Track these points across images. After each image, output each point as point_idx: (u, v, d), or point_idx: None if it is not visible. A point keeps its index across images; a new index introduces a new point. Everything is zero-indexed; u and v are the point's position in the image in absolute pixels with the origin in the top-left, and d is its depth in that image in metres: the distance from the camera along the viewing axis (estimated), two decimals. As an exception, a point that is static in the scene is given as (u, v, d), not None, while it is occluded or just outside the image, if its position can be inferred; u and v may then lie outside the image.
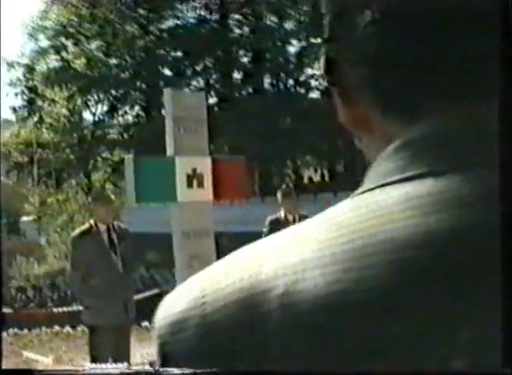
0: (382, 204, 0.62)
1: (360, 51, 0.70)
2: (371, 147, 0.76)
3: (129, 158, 7.25)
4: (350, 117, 0.76)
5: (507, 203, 0.60)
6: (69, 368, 5.96)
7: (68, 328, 13.53)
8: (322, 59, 0.76)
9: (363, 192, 0.66)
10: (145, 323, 11.72)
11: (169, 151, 7.61)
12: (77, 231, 7.12)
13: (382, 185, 0.65)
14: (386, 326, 0.59)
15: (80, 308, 8.68)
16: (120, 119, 31.18)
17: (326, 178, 27.89)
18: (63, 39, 29.23)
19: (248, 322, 0.62)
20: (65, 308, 12.70)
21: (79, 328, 13.36)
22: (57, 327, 13.53)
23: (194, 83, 29.42)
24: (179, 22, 29.37)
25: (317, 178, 28.40)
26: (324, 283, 0.60)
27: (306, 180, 26.12)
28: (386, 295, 0.59)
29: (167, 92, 7.87)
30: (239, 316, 0.63)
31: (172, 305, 0.68)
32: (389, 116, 0.70)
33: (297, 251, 0.62)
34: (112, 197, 7.66)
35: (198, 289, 0.66)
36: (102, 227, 6.82)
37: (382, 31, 0.68)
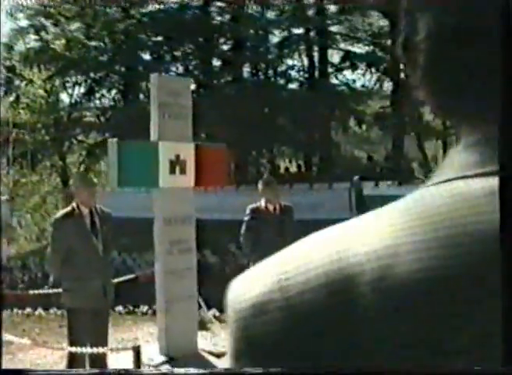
0: (468, 196, 0.64)
1: (438, 46, 0.72)
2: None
3: (112, 141, 7.22)
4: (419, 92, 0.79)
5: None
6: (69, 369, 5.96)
7: (40, 310, 13.46)
8: (400, 40, 0.80)
9: (444, 181, 0.68)
10: (119, 308, 11.69)
11: (153, 136, 7.59)
12: (60, 213, 7.08)
13: (464, 177, 0.67)
14: (472, 313, 0.60)
15: (53, 290, 8.65)
16: (97, 102, 30.98)
17: (302, 169, 27.91)
18: (43, 19, 28.94)
19: (336, 306, 0.63)
20: (36, 291, 12.60)
21: (51, 310, 13.31)
22: (29, 309, 13.45)
23: (173, 68, 29.27)
24: (160, 6, 29.17)
25: (293, 169, 28.42)
26: (419, 269, 0.61)
27: (282, 171, 26.12)
28: (475, 284, 0.60)
29: (153, 77, 7.84)
30: (326, 299, 0.63)
31: (250, 288, 0.68)
32: (465, 102, 0.72)
33: (387, 236, 0.64)
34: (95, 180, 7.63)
35: (278, 272, 0.67)
36: (85, 210, 6.78)
37: (502, 56, 0.67)
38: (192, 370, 0.67)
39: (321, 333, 0.63)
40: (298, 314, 0.64)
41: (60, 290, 7.25)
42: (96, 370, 0.82)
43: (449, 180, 0.68)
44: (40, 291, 12.23)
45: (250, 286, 0.69)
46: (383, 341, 0.61)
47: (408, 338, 0.60)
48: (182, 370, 0.69)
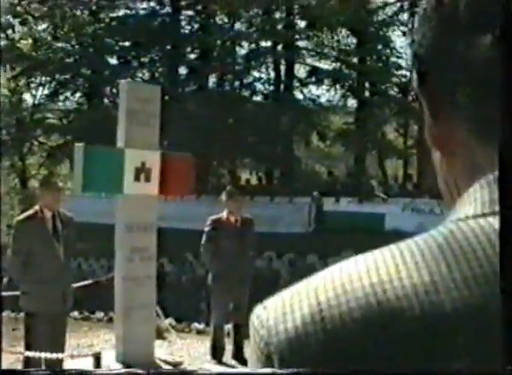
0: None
1: (471, 72, 0.70)
2: (445, 164, 0.77)
3: (79, 146, 7.18)
4: (435, 132, 0.77)
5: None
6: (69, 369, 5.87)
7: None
8: (414, 73, 0.78)
9: (473, 217, 0.67)
10: (74, 314, 11.60)
11: (120, 142, 7.57)
12: (22, 216, 7.03)
13: (494, 213, 0.66)
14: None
15: (7, 293, 8.55)
16: (61, 104, 30.73)
17: (263, 181, 27.95)
18: (10, 17, 28.67)
19: (379, 340, 0.61)
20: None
21: (4, 313, 13.14)
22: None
23: (139, 74, 29.17)
24: (130, 12, 29.11)
25: (254, 181, 28.45)
26: (463, 307, 0.61)
27: (243, 182, 26.12)
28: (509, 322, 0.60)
29: (122, 84, 7.82)
30: (368, 333, 0.62)
31: (283, 319, 0.65)
32: (487, 140, 0.71)
33: (423, 272, 0.63)
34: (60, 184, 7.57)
35: (313, 302, 0.65)
36: (48, 214, 6.74)
37: (502, 56, 0.67)
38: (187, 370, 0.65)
39: (364, 368, 0.62)
40: (339, 348, 0.62)
41: (15, 293, 7.18)
42: (96, 370, 0.81)
43: (477, 215, 0.67)
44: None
45: (282, 316, 0.65)
46: None
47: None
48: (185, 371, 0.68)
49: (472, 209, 0.68)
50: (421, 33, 0.76)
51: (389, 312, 0.61)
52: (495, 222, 0.65)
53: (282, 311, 0.66)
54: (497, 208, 0.66)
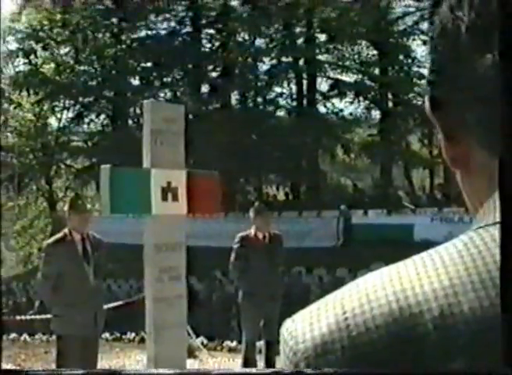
0: None
1: (476, 93, 0.73)
2: (466, 182, 0.80)
3: (105, 168, 7.18)
4: (451, 154, 0.79)
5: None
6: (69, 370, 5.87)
7: (25, 336, 13.36)
8: (427, 98, 0.80)
9: (493, 224, 0.70)
10: (106, 335, 11.61)
11: (145, 163, 7.56)
12: (52, 239, 7.04)
13: None
14: None
15: (39, 316, 8.57)
16: (85, 126, 30.97)
17: (290, 197, 27.92)
18: (33, 43, 28.98)
19: (401, 344, 0.64)
20: (22, 317, 12.51)
21: (37, 336, 13.21)
22: (14, 335, 13.34)
23: (162, 94, 29.36)
24: (151, 32, 29.33)
25: (281, 196, 28.43)
26: (479, 307, 0.64)
27: (270, 198, 26.12)
28: None
29: (146, 104, 7.82)
30: (390, 338, 0.65)
31: (311, 327, 0.69)
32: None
33: (443, 277, 0.66)
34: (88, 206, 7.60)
35: (338, 311, 0.68)
36: (77, 236, 6.75)
37: (502, 75, 0.70)
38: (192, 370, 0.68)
39: (387, 372, 0.65)
40: (364, 353, 0.65)
41: (47, 316, 7.19)
42: (96, 370, 0.82)
43: (497, 222, 0.70)
44: (27, 317, 12.15)
45: (309, 326, 0.69)
46: None
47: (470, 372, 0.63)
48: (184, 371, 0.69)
49: (492, 217, 0.71)
50: (430, 60, 0.80)
51: (410, 317, 0.65)
52: None
53: (310, 321, 0.69)
54: None
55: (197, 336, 10.92)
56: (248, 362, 8.89)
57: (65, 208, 7.27)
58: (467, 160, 0.78)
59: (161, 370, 0.73)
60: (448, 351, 0.63)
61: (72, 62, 29.15)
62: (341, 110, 29.61)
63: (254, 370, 0.74)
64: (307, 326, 0.69)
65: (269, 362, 8.84)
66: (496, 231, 0.69)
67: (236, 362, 9.63)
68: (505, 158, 0.67)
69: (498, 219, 0.70)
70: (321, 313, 0.69)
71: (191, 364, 9.11)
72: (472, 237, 0.70)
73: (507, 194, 0.66)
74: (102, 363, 9.54)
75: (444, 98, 0.78)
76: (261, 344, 9.13)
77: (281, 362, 0.72)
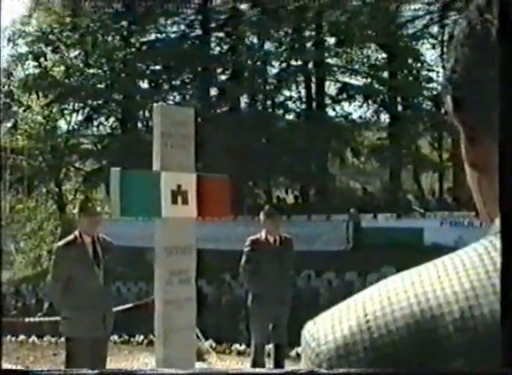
0: None
1: (495, 96, 0.72)
2: (484, 185, 0.81)
3: (115, 170, 7.19)
4: (472, 156, 0.80)
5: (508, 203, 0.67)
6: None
7: (34, 338, 13.38)
8: (449, 98, 0.80)
9: None
10: (114, 337, 11.62)
11: (156, 165, 7.57)
12: (62, 242, 7.06)
13: None
14: None
15: (48, 318, 8.58)
16: (95, 129, 31.01)
17: (299, 200, 27.90)
18: (43, 46, 29.06)
19: (422, 345, 0.65)
20: (31, 319, 12.53)
21: (45, 338, 13.23)
22: (22, 337, 13.36)
23: (171, 97, 29.38)
24: (160, 36, 29.36)
25: (290, 199, 28.42)
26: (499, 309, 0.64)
27: (279, 201, 26.10)
28: None
29: (156, 107, 7.83)
30: (411, 339, 0.66)
31: (333, 329, 0.70)
32: None
33: (464, 280, 0.67)
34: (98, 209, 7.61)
35: (360, 314, 0.69)
36: (87, 239, 6.76)
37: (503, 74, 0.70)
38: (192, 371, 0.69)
39: (409, 373, 0.66)
40: (385, 354, 0.66)
41: (56, 318, 7.20)
42: (97, 371, 0.82)
43: None
44: (36, 319, 12.17)
45: (331, 328, 0.70)
46: None
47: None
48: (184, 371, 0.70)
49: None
50: (454, 59, 0.79)
51: (431, 319, 0.66)
52: None
53: (332, 324, 0.70)
54: None
55: (206, 339, 10.92)
56: (257, 365, 8.88)
57: (75, 210, 7.28)
58: (487, 162, 0.78)
59: (174, 370, 0.74)
60: (469, 352, 0.64)
61: (81, 65, 29.20)
62: (350, 113, 29.61)
63: (274, 370, 0.75)
64: (328, 328, 0.70)
65: (278, 366, 8.83)
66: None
67: (244, 366, 9.62)
68: (505, 158, 0.67)
69: None
70: (342, 315, 0.70)
71: (200, 367, 9.10)
72: (492, 241, 0.71)
73: (507, 194, 0.67)
74: (111, 366, 9.55)
75: (468, 99, 0.77)
76: (269, 347, 9.12)
77: (302, 364, 0.72)
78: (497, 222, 0.74)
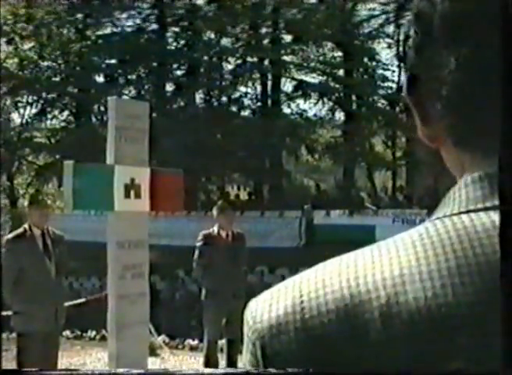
0: (471, 230, 0.70)
1: (447, 84, 0.75)
2: (444, 158, 0.82)
3: (68, 163, 7.14)
4: (426, 134, 0.81)
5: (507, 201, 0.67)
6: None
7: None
8: (405, 79, 0.82)
9: (450, 215, 0.73)
10: (66, 333, 11.52)
11: (109, 159, 7.52)
12: (11, 234, 6.99)
13: (468, 211, 0.72)
14: (471, 338, 0.64)
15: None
16: (48, 123, 30.68)
17: (253, 196, 27.92)
18: (-4, 37, 28.67)
19: (348, 329, 0.67)
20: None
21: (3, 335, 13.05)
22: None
23: (126, 92, 29.18)
24: (116, 29, 29.14)
25: (243, 196, 28.43)
26: (424, 297, 0.66)
27: (233, 197, 26.11)
28: (475, 311, 0.65)
29: (111, 101, 7.79)
30: (339, 322, 0.68)
31: (269, 309, 0.72)
32: (466, 146, 0.76)
33: (394, 266, 0.69)
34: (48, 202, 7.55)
35: (296, 294, 0.71)
36: (37, 232, 6.71)
37: (473, 70, 0.73)
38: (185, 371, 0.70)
39: (335, 356, 0.67)
40: (314, 336, 0.68)
41: (7, 312, 7.12)
42: (97, 371, 0.82)
43: (453, 214, 0.73)
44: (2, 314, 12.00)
45: (268, 307, 0.72)
46: (389, 364, 0.66)
47: (410, 363, 0.65)
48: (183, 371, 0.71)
49: (449, 209, 0.74)
50: (411, 39, 0.81)
51: (359, 304, 0.67)
52: (466, 220, 0.71)
53: (270, 302, 0.72)
54: (471, 207, 0.72)
55: (159, 334, 10.89)
56: (210, 360, 8.89)
57: (26, 203, 7.23)
58: (442, 138, 0.79)
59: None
60: (390, 338, 0.66)
61: (36, 57, 28.85)
62: (305, 111, 29.72)
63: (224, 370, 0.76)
64: (266, 307, 0.72)
65: (231, 361, 8.85)
66: (449, 222, 0.71)
67: (197, 361, 9.62)
68: (505, 158, 0.68)
69: (455, 211, 0.73)
70: (280, 295, 0.72)
71: (153, 362, 9.08)
72: (427, 228, 0.72)
73: (507, 195, 0.67)
74: (63, 361, 9.47)
75: (420, 82, 0.79)
76: (222, 342, 9.14)
77: (243, 343, 0.74)
78: (438, 208, 0.76)
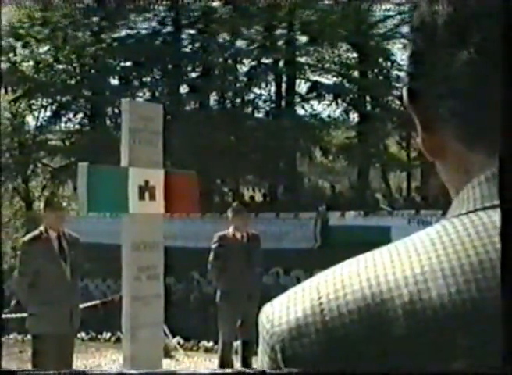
0: (489, 226, 0.70)
1: (451, 87, 0.76)
2: (443, 172, 0.83)
3: (83, 165, 7.15)
4: (428, 144, 0.82)
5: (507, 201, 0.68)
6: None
7: (-1, 335, 13.25)
8: (405, 90, 0.82)
9: (466, 213, 0.74)
10: (81, 334, 11.55)
11: (123, 161, 7.53)
12: (28, 237, 7.01)
13: (484, 208, 0.73)
14: (498, 331, 0.65)
15: (15, 315, 8.50)
16: (63, 125, 30.78)
17: (268, 198, 27.91)
18: (12, 40, 28.76)
19: (371, 328, 0.68)
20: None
21: (11, 335, 13.11)
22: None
23: (140, 94, 29.26)
24: (131, 32, 29.20)
25: (258, 197, 28.43)
26: (448, 293, 0.67)
27: (247, 199, 26.12)
28: (497, 306, 0.65)
29: (124, 103, 7.79)
30: (361, 322, 0.68)
31: (288, 311, 0.72)
32: (474, 147, 0.77)
33: (415, 264, 0.69)
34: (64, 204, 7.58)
35: (314, 296, 0.71)
36: (53, 234, 6.72)
37: (477, 71, 0.74)
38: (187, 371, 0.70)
39: (359, 355, 0.67)
40: (336, 336, 0.68)
41: (22, 314, 7.15)
42: (97, 371, 0.83)
43: (470, 211, 0.73)
44: (2, 316, 12.04)
45: (286, 310, 0.72)
46: (414, 361, 0.66)
47: (436, 359, 0.66)
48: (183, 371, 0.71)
49: (465, 207, 0.75)
50: (410, 51, 0.82)
51: (381, 302, 0.68)
52: (484, 216, 0.71)
53: (287, 305, 0.72)
54: (487, 204, 0.73)
55: (174, 336, 10.90)
56: (224, 362, 8.89)
57: (41, 206, 7.25)
58: (443, 151, 0.80)
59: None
60: (415, 335, 0.66)
61: (51, 60, 28.95)
62: (320, 112, 29.69)
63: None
64: (283, 310, 0.72)
65: (246, 362, 8.85)
66: (467, 220, 0.72)
67: (212, 362, 9.62)
68: (505, 158, 0.68)
69: (471, 208, 0.74)
70: (297, 297, 0.72)
71: (167, 364, 9.09)
72: (445, 226, 0.73)
73: (507, 194, 0.68)
74: (78, 363, 9.50)
75: (421, 90, 0.80)
76: (237, 344, 9.13)
77: (259, 347, 0.74)
78: (453, 207, 0.77)
